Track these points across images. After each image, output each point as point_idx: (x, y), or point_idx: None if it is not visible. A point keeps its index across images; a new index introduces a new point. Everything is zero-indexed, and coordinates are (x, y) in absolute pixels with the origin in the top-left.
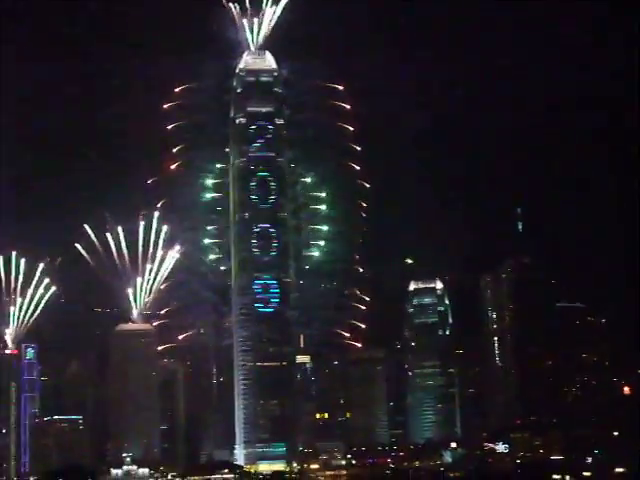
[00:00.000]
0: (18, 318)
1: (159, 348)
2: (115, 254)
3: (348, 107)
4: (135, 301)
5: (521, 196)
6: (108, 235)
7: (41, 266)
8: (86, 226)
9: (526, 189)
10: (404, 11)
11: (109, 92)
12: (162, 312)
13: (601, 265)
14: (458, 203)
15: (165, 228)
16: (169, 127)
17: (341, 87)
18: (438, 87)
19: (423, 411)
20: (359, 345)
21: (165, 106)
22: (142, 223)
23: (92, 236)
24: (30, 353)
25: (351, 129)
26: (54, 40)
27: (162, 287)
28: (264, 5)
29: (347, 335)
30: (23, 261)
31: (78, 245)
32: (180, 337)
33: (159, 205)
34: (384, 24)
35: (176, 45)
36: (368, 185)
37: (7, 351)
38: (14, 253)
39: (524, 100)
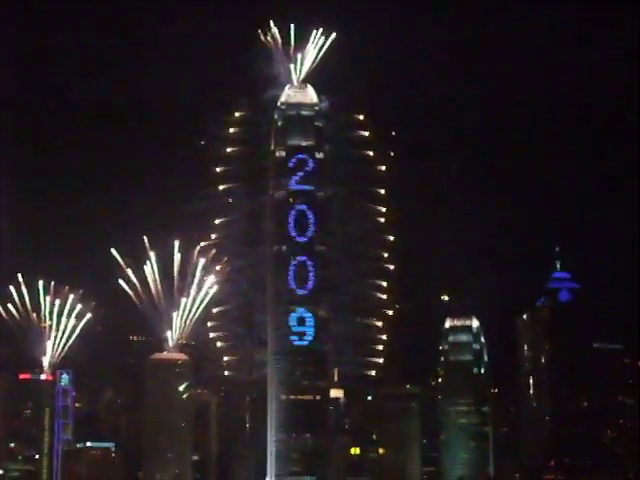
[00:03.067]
0: (54, 344)
1: (193, 378)
2: (151, 283)
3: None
4: (170, 331)
5: (560, 234)
6: (146, 264)
7: (77, 293)
8: (116, 253)
9: (565, 227)
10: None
11: (146, 122)
12: (197, 342)
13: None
14: (496, 240)
15: (202, 259)
16: (208, 158)
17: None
18: (480, 120)
19: (456, 449)
20: (393, 381)
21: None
22: (178, 253)
23: (125, 264)
24: (65, 379)
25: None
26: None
27: (197, 318)
28: (309, 40)
29: (381, 371)
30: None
31: (121, 280)
32: (214, 368)
33: (197, 238)
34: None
35: (216, 77)
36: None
37: (42, 376)
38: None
39: (565, 141)
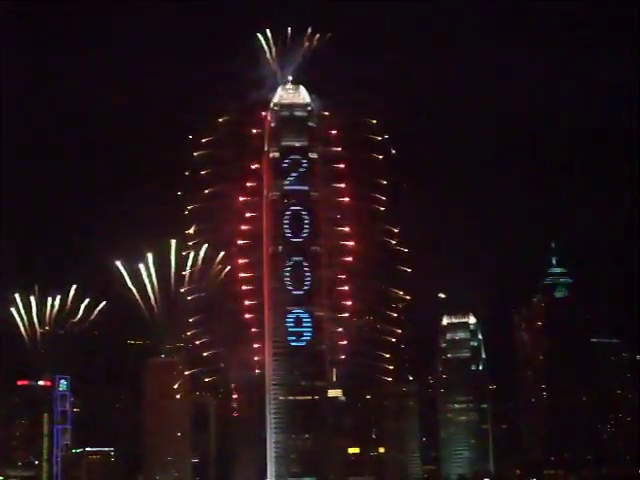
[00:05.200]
0: (51, 350)
1: (191, 381)
2: (148, 285)
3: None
4: (168, 334)
5: (555, 230)
6: (141, 266)
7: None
8: (116, 260)
9: (561, 222)
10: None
11: (140, 124)
12: (194, 345)
13: (637, 300)
14: (492, 237)
15: (198, 260)
16: (201, 160)
17: (374, 121)
18: (477, 121)
19: (456, 446)
20: (391, 380)
21: (195, 141)
22: (173, 256)
23: (122, 268)
24: (63, 384)
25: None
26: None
27: (195, 320)
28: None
29: (379, 369)
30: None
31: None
32: (212, 370)
33: (191, 240)
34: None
35: (207, 78)
36: (398, 218)
37: (40, 382)
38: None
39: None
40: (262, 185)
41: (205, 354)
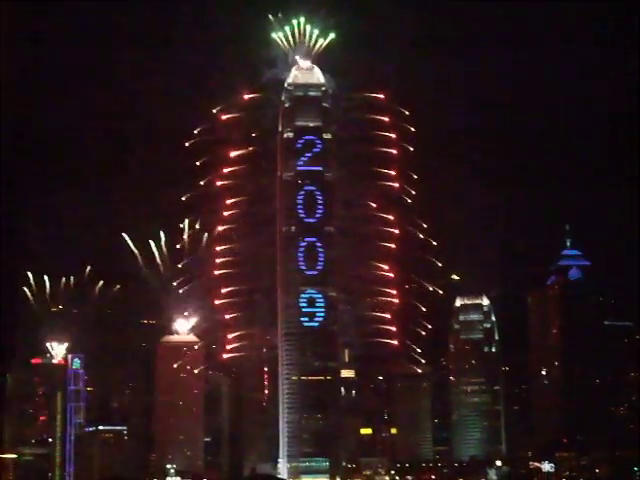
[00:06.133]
0: (65, 328)
1: (204, 360)
2: (160, 265)
3: (389, 119)
4: (180, 313)
5: (570, 212)
6: (152, 245)
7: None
8: (126, 236)
9: (575, 204)
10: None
11: (156, 106)
12: (207, 325)
13: None
14: (506, 218)
15: (209, 239)
16: (215, 140)
17: (386, 99)
18: (494, 105)
19: (468, 428)
20: (403, 361)
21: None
22: (187, 236)
23: (133, 247)
24: (76, 363)
25: (393, 137)
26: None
27: (207, 299)
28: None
29: (392, 351)
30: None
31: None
32: (225, 349)
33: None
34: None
35: (220, 60)
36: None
37: (54, 361)
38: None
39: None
40: (276, 165)
41: (218, 334)
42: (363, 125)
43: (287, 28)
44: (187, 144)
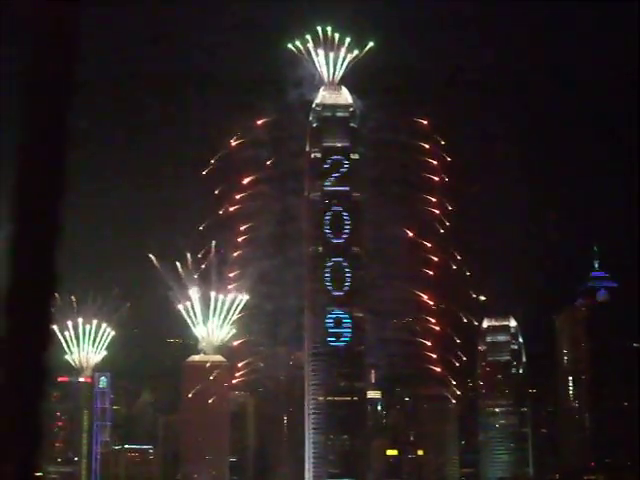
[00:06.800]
0: (92, 347)
1: (230, 380)
2: (187, 285)
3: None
4: (207, 333)
5: (598, 233)
6: (178, 266)
7: (115, 296)
8: (152, 256)
9: (603, 226)
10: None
11: (180, 124)
12: (234, 344)
13: None
14: (534, 240)
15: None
16: (242, 159)
17: (423, 122)
18: (518, 123)
19: (495, 450)
20: (430, 382)
21: (234, 140)
22: (213, 253)
23: (159, 266)
24: (103, 381)
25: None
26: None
27: (234, 319)
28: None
29: (419, 372)
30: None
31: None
32: (251, 369)
33: (231, 237)
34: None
35: (248, 79)
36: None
37: (80, 379)
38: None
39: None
40: (303, 186)
41: (244, 353)
42: (396, 147)
43: (318, 48)
44: (211, 165)
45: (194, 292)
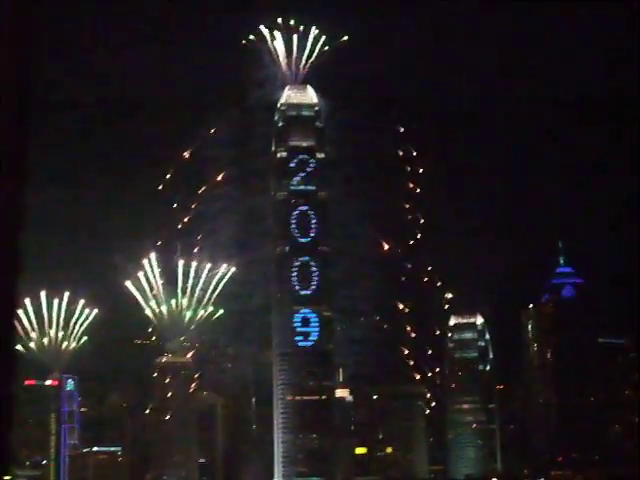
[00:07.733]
0: (58, 349)
1: (198, 380)
2: (153, 285)
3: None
4: (174, 334)
5: (564, 228)
6: (146, 264)
7: (81, 299)
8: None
9: (568, 222)
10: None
11: (139, 125)
12: (201, 345)
13: None
14: (499, 236)
15: (203, 262)
16: (207, 160)
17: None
18: (484, 118)
19: (463, 447)
20: (398, 380)
21: (200, 140)
22: (179, 255)
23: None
24: (70, 384)
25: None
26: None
27: (201, 319)
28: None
29: (387, 370)
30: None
31: (128, 283)
32: (219, 369)
33: (197, 238)
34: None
35: (212, 78)
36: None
37: (47, 382)
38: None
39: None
40: (269, 185)
41: (213, 354)
42: (362, 146)
43: (281, 46)
44: (174, 167)
45: (160, 292)
